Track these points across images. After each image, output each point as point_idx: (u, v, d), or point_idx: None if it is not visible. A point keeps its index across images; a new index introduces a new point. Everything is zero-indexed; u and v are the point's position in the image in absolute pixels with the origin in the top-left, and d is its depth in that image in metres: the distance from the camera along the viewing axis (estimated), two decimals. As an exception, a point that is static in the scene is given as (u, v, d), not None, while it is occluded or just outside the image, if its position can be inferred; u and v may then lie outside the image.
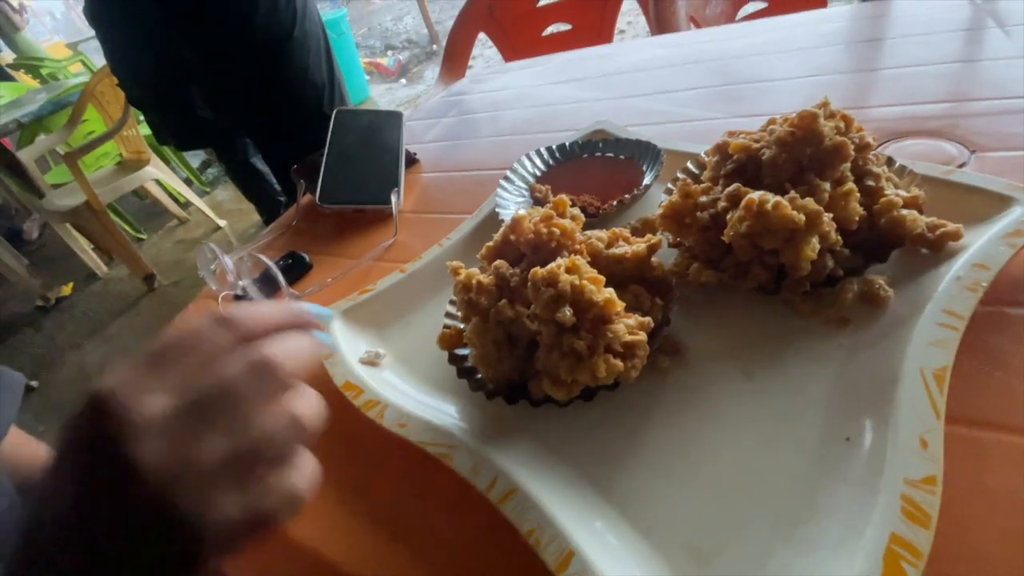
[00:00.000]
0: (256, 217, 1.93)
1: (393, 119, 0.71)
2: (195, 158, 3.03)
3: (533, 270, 0.30)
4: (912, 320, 0.28)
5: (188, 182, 2.84)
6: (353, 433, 0.35)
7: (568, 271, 0.29)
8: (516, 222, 0.34)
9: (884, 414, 0.25)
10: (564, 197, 0.37)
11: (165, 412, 0.20)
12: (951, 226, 0.31)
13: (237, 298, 0.54)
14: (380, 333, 0.42)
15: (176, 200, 2.65)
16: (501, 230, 0.36)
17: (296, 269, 0.58)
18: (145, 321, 2.15)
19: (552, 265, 0.30)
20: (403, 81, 3.83)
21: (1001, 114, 0.45)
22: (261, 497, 0.21)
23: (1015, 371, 0.27)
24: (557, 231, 0.34)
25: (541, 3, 1.30)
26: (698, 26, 1.06)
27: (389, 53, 4.29)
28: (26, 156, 2.24)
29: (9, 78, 3.67)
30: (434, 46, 4.06)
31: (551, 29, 1.34)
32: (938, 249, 0.32)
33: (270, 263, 0.50)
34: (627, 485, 0.28)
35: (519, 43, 1.33)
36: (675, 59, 0.78)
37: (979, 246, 0.30)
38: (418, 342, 0.40)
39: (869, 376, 0.27)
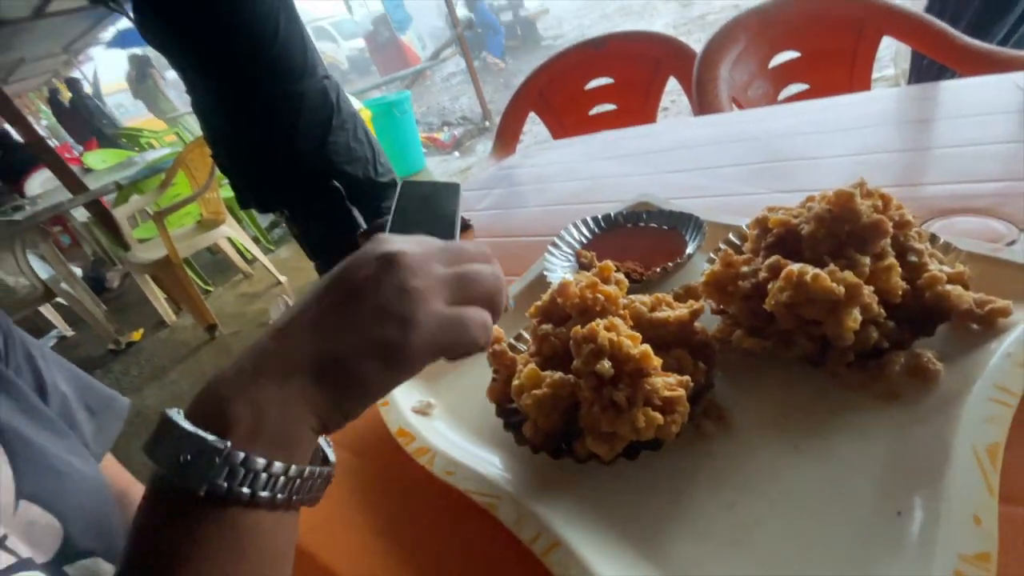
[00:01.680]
0: (314, 275, 2.06)
1: (451, 190, 0.77)
2: (264, 218, 3.30)
3: (574, 329, 0.32)
4: (963, 395, 0.28)
5: (256, 240, 3.08)
6: (401, 477, 0.37)
7: (607, 329, 0.31)
8: (563, 287, 0.37)
9: (936, 489, 0.25)
10: (609, 263, 0.40)
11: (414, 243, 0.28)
12: (1000, 302, 0.31)
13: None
14: (431, 384, 0.44)
15: (243, 256, 2.87)
16: (549, 291, 0.38)
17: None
18: (203, 369, 2.27)
19: (592, 324, 0.32)
20: (456, 153, 4.10)
21: (1052, 194, 0.45)
22: (458, 317, 0.26)
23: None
24: (602, 297, 0.36)
25: (588, 86, 1.40)
26: (740, 107, 1.11)
27: (445, 128, 4.64)
28: (120, 214, 2.52)
29: (117, 145, 4.22)
30: (486, 122, 4.37)
31: (597, 109, 1.43)
32: (988, 325, 0.31)
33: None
34: (670, 549, 0.28)
35: (567, 122, 1.43)
36: (718, 137, 0.81)
37: (1031, 324, 0.30)
38: (467, 394, 0.42)
39: (920, 451, 0.27)
